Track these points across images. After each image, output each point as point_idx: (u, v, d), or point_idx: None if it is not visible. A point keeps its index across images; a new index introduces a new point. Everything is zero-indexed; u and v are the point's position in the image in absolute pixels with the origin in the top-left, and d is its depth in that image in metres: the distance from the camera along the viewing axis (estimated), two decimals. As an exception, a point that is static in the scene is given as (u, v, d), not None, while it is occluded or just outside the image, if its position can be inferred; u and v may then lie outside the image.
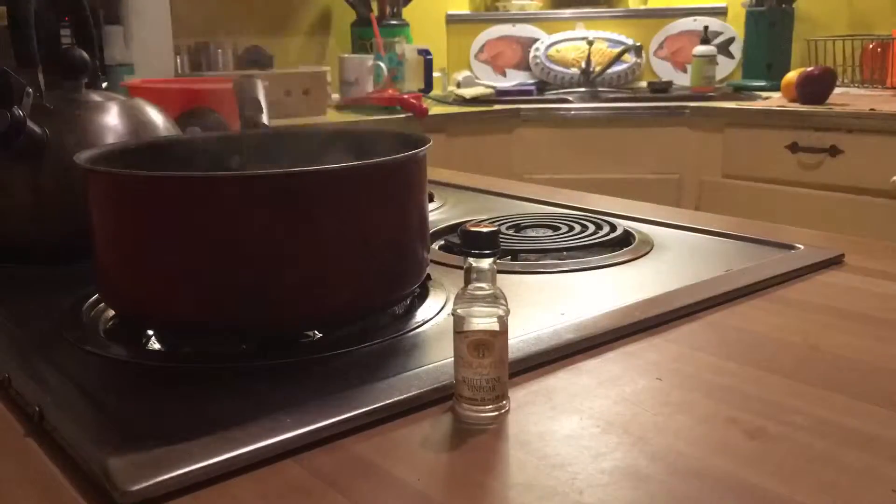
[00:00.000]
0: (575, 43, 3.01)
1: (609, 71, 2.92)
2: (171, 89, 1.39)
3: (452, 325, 0.50)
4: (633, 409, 0.52)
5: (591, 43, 2.93)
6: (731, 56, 2.87)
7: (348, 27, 2.78)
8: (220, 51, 2.50)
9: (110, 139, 0.83)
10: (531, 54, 3.04)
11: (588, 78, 2.91)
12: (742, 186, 2.23)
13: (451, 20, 3.14)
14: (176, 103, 1.09)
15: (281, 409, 0.49)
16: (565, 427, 0.50)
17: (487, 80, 3.01)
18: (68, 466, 0.46)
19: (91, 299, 0.70)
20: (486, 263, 0.49)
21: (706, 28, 2.76)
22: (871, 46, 2.45)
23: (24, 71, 0.78)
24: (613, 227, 0.93)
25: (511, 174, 2.30)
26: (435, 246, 0.90)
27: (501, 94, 2.82)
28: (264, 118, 0.96)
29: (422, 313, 0.67)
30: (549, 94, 2.88)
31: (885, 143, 1.98)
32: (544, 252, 0.86)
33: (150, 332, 0.65)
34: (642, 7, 3.10)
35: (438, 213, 1.07)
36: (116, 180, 0.61)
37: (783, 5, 2.60)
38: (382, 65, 2.48)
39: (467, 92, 2.66)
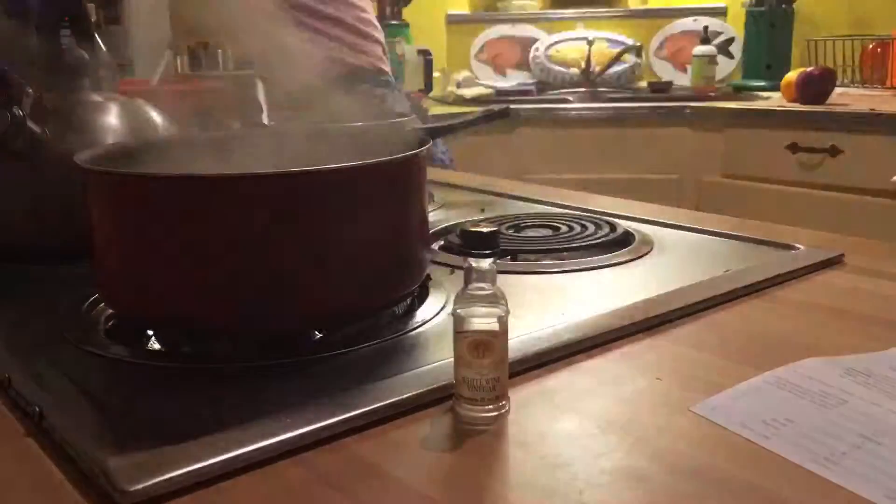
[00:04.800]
0: (575, 43, 3.01)
1: (609, 71, 2.92)
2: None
3: (452, 325, 0.50)
4: (633, 409, 0.52)
5: (591, 43, 2.93)
6: (731, 56, 2.87)
7: (348, 27, 2.78)
8: (220, 51, 2.50)
9: (110, 139, 0.83)
10: (531, 54, 3.04)
11: (588, 78, 2.91)
12: (742, 186, 2.23)
13: (451, 20, 3.14)
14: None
15: (281, 409, 0.49)
16: (565, 427, 0.50)
17: (487, 81, 3.01)
18: (68, 466, 0.46)
19: (91, 299, 0.70)
20: (486, 263, 0.49)
21: (706, 28, 2.76)
22: (871, 46, 2.45)
23: (23, 71, 0.78)
24: (613, 228, 0.93)
25: (511, 174, 2.30)
26: (435, 246, 0.90)
27: (501, 94, 2.81)
28: (264, 118, 0.96)
29: (422, 313, 0.67)
30: (549, 94, 2.88)
31: (885, 143, 1.98)
32: (544, 252, 0.86)
33: (150, 332, 0.65)
34: (642, 7, 3.10)
35: (438, 213, 1.07)
36: (116, 180, 0.61)
37: (783, 5, 2.60)
38: (382, 65, 2.48)
39: (467, 92, 2.66)
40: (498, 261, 0.50)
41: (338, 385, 0.53)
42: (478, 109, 1.18)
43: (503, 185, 1.31)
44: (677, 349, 0.61)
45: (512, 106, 2.58)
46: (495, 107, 1.16)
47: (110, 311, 0.68)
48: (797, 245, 0.86)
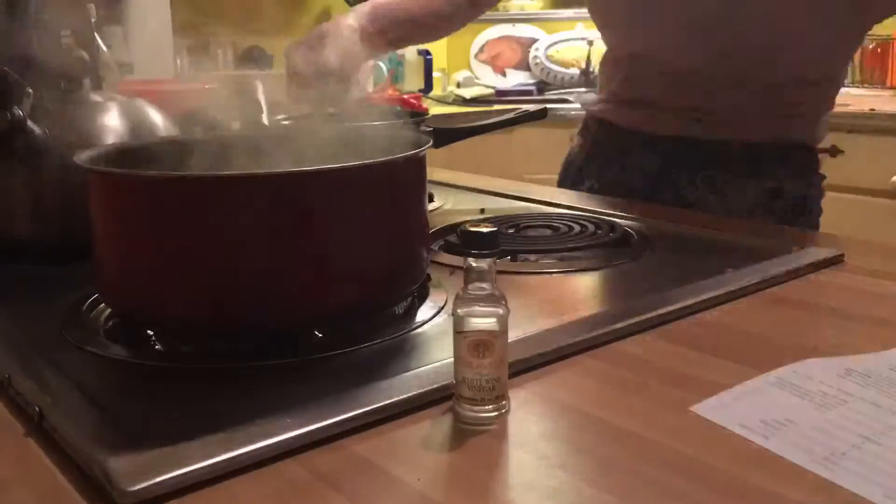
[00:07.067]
0: (575, 43, 3.01)
1: (609, 71, 2.92)
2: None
3: (452, 325, 0.50)
4: (632, 409, 0.52)
5: (591, 43, 2.93)
6: (731, 56, 2.87)
7: (348, 27, 2.78)
8: (220, 51, 2.50)
9: (110, 139, 0.83)
10: (531, 54, 3.04)
11: (588, 78, 2.91)
12: (742, 186, 2.23)
13: (451, 20, 3.14)
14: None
15: (281, 409, 0.49)
16: (565, 427, 0.50)
17: (487, 80, 3.01)
18: (68, 466, 0.46)
19: (91, 299, 0.70)
20: (486, 263, 0.49)
21: (706, 28, 2.75)
22: (871, 46, 2.45)
23: (23, 71, 0.78)
24: (613, 228, 0.93)
25: (511, 174, 2.30)
26: (435, 246, 0.90)
27: (501, 94, 2.82)
28: (264, 118, 0.96)
29: (422, 313, 0.67)
30: (549, 94, 2.88)
31: (885, 143, 1.98)
32: (544, 252, 0.86)
33: (151, 332, 0.65)
34: (642, 7, 3.10)
35: (438, 213, 1.07)
36: (116, 180, 0.61)
37: (783, 5, 2.60)
38: (382, 65, 2.48)
39: (467, 92, 2.67)
40: (498, 261, 0.50)
41: (338, 385, 0.53)
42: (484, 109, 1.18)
43: (503, 185, 1.31)
44: (677, 349, 0.61)
45: (512, 106, 2.60)
46: (530, 107, 1.13)
47: (110, 311, 0.68)
48: (797, 245, 0.86)
